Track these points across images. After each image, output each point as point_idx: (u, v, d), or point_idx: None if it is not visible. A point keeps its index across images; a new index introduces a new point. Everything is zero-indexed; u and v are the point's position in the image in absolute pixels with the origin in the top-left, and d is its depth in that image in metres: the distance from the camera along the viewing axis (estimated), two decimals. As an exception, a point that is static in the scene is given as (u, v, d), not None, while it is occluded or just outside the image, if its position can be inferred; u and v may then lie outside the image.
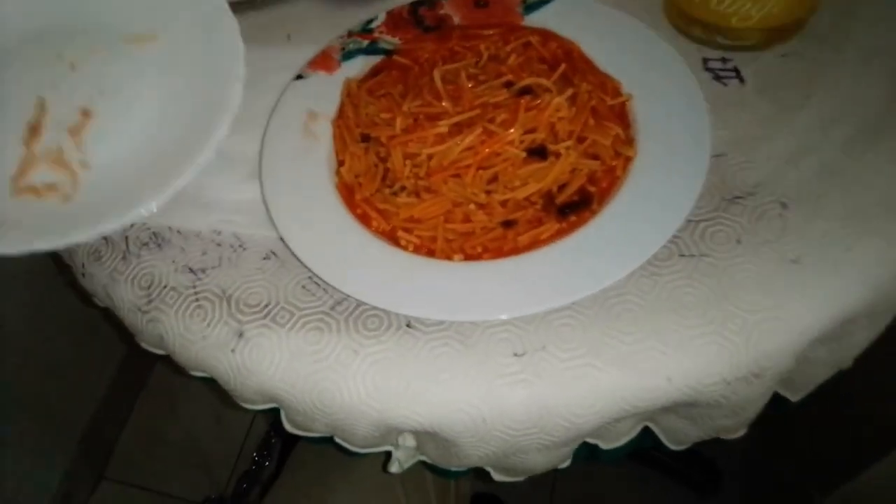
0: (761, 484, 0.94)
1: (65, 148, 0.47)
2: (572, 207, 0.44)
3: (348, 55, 0.53)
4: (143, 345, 0.49)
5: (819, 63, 0.52)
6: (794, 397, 0.50)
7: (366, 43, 0.54)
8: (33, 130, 0.47)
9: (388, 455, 0.49)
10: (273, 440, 1.04)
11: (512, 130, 0.44)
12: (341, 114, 0.50)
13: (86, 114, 0.48)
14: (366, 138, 0.48)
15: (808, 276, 0.42)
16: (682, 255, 0.44)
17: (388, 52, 0.53)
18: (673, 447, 0.49)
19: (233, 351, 0.44)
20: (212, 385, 0.48)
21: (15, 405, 0.98)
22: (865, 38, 0.52)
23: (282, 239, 0.45)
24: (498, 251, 0.43)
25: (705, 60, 0.53)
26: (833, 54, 0.52)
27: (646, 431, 0.48)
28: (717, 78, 0.52)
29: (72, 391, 1.06)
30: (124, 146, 0.47)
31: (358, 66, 0.53)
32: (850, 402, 0.72)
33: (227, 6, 0.50)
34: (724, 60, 0.53)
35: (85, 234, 0.43)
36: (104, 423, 1.12)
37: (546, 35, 0.51)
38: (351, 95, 0.50)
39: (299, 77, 0.52)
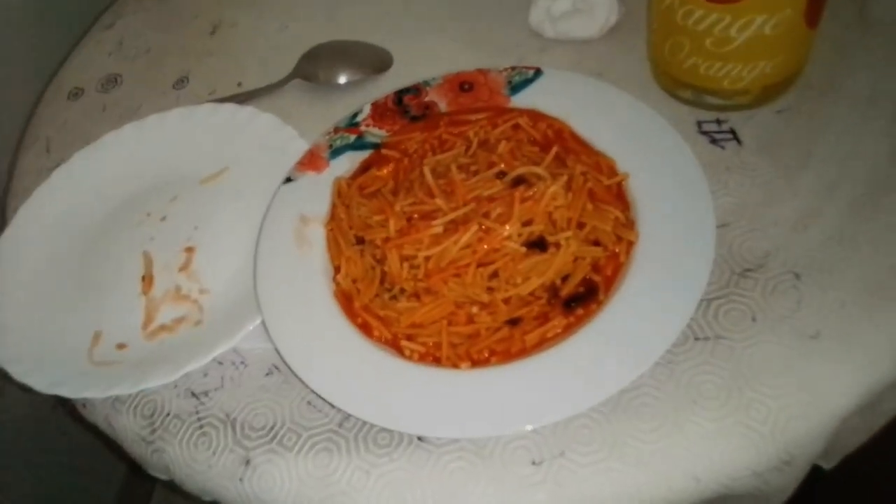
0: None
1: (181, 284, 0.51)
2: (578, 300, 0.43)
3: (336, 152, 0.52)
4: (151, 472, 0.48)
5: (816, 117, 0.50)
6: (827, 465, 0.48)
7: (353, 138, 0.53)
8: (147, 281, 0.52)
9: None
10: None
11: (508, 226, 0.43)
12: (333, 216, 0.49)
13: (189, 250, 0.53)
14: (360, 240, 0.47)
15: (830, 351, 0.41)
16: (698, 339, 0.42)
17: (376, 146, 0.52)
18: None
19: (241, 480, 0.42)
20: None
21: (33, 500, 0.97)
22: (860, 86, 0.51)
23: (282, 357, 0.44)
24: (506, 354, 0.42)
25: (700, 123, 0.52)
26: (830, 106, 0.51)
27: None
28: (714, 141, 0.51)
29: (92, 480, 1.05)
30: (231, 264, 0.51)
31: (347, 163, 0.52)
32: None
33: (283, 127, 0.56)
34: (719, 122, 0.51)
35: (225, 346, 0.46)
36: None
37: (535, 115, 0.50)
38: (342, 195, 0.49)
39: (288, 180, 0.51)
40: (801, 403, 0.39)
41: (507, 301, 0.43)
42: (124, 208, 0.57)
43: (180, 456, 0.44)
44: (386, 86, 0.58)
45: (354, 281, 0.46)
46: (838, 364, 0.40)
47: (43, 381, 0.47)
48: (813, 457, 0.41)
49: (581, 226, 0.44)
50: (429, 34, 0.63)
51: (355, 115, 0.54)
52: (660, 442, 0.39)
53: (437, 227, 0.44)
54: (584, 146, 0.49)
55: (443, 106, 0.53)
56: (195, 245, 0.53)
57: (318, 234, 0.49)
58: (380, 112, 0.54)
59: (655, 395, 0.41)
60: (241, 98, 0.61)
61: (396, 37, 0.63)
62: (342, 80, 0.60)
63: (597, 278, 0.43)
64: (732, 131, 0.51)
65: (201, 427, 0.45)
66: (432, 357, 0.43)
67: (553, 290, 0.43)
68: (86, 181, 0.58)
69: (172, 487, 0.47)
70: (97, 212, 0.57)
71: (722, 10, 0.45)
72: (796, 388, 0.40)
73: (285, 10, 0.69)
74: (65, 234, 0.56)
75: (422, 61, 0.59)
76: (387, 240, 0.45)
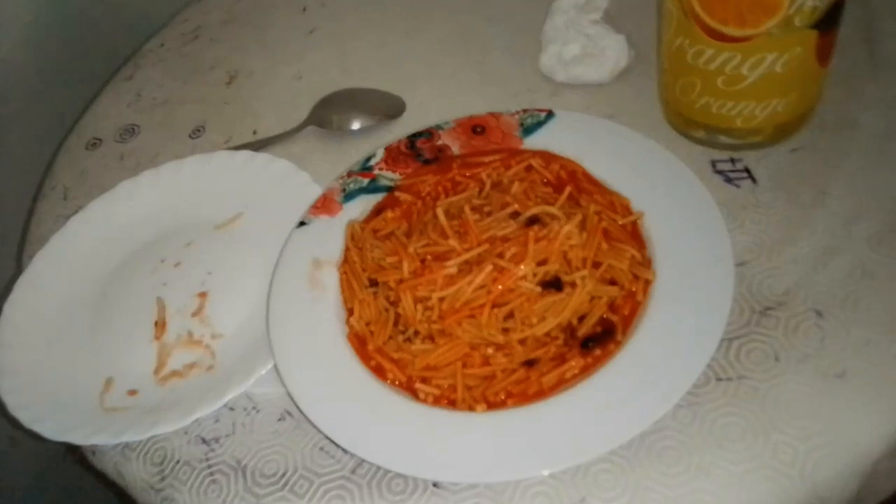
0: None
1: (193, 329, 0.51)
2: (596, 340, 0.42)
3: (349, 196, 0.52)
4: (160, 523, 0.47)
5: (832, 154, 0.50)
6: (860, 512, 0.46)
7: (366, 181, 0.53)
8: (160, 326, 0.51)
9: None
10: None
11: (522, 266, 0.42)
12: (347, 259, 0.49)
13: (202, 295, 0.52)
14: (374, 283, 0.47)
15: (857, 391, 0.40)
16: (720, 380, 0.41)
17: (389, 189, 0.52)
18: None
19: (252, 529, 0.41)
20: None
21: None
22: (875, 123, 0.51)
23: (294, 401, 0.43)
24: (522, 396, 0.41)
25: (714, 163, 0.51)
26: (845, 143, 0.50)
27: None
28: (729, 180, 0.50)
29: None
30: (243, 308, 0.51)
31: (360, 207, 0.52)
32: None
33: (298, 172, 0.57)
34: (733, 161, 0.51)
35: (237, 391, 0.45)
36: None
37: (547, 157, 0.51)
38: (355, 238, 0.49)
39: (302, 224, 0.51)
40: (829, 445, 0.38)
41: (522, 342, 0.43)
42: (139, 255, 0.57)
43: (190, 504, 0.43)
44: (399, 131, 0.58)
45: (368, 324, 0.46)
46: (866, 403, 0.39)
47: (52, 428, 0.47)
48: (845, 501, 0.39)
49: (597, 265, 0.44)
50: (441, 80, 0.63)
51: (369, 159, 0.54)
52: (684, 486, 0.38)
53: (451, 267, 0.44)
54: (597, 186, 0.48)
55: (455, 149, 0.54)
56: (208, 290, 0.52)
57: (331, 277, 0.48)
58: (393, 156, 0.54)
59: (678, 437, 0.40)
60: (257, 145, 0.61)
61: (409, 83, 0.63)
62: (356, 126, 0.61)
63: (614, 318, 0.43)
64: (747, 170, 0.51)
65: (211, 474, 0.44)
66: (447, 400, 0.42)
67: (570, 331, 0.43)
68: (102, 228, 0.59)
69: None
70: (112, 259, 0.57)
71: (732, 49, 0.45)
72: (824, 428, 0.39)
73: (300, 59, 0.70)
74: (79, 280, 0.56)
75: (434, 107, 0.60)
76: (400, 281, 0.45)
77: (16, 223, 0.69)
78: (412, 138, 0.55)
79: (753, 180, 0.50)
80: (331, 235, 0.50)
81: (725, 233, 0.44)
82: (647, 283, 0.43)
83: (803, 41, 0.44)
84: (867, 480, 0.41)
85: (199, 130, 0.66)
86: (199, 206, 0.58)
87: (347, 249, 0.49)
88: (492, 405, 0.41)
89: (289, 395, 0.44)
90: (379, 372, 0.44)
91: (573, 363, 0.41)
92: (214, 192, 0.59)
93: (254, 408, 0.46)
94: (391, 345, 0.44)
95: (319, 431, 0.42)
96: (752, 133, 0.50)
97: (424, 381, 0.43)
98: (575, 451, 0.38)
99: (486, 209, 0.47)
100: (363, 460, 0.42)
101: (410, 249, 0.46)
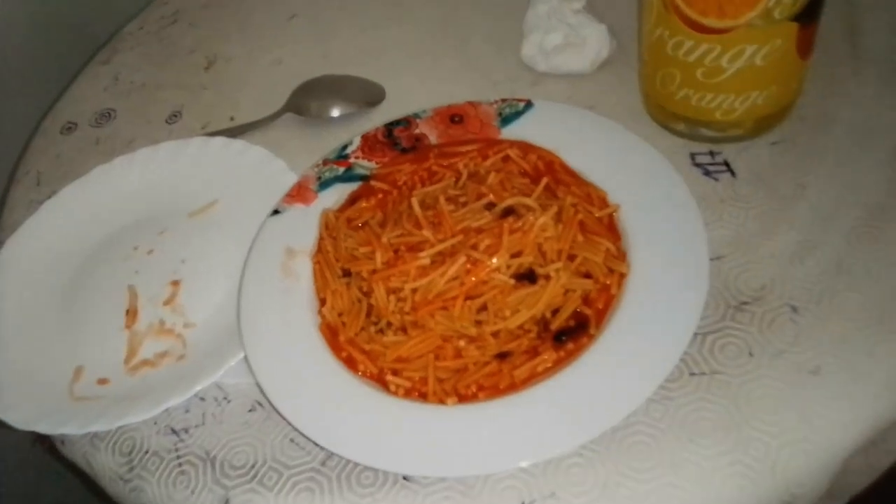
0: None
1: (165, 318, 0.50)
2: (569, 333, 0.41)
3: (325, 184, 0.52)
4: (128, 513, 0.46)
5: (811, 148, 0.50)
6: (832, 507, 0.46)
7: (342, 170, 0.52)
8: (131, 314, 0.51)
9: None
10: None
11: (496, 258, 0.42)
12: (320, 248, 0.48)
13: (174, 283, 0.52)
14: (347, 273, 0.46)
15: (831, 387, 0.39)
16: (693, 374, 0.41)
17: (365, 178, 0.52)
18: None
19: (219, 521, 0.41)
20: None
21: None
22: (854, 118, 0.51)
23: (263, 393, 0.43)
24: (494, 389, 0.41)
25: (693, 155, 0.51)
26: (824, 137, 0.50)
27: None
28: (707, 173, 0.50)
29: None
30: (216, 297, 0.50)
31: (335, 196, 0.51)
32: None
33: (274, 160, 0.56)
34: (712, 154, 0.51)
35: (208, 380, 0.45)
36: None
37: (525, 147, 0.50)
38: (329, 227, 0.49)
39: (276, 212, 0.50)
40: (802, 440, 0.38)
41: (495, 335, 0.42)
42: (112, 242, 0.56)
43: (158, 495, 0.43)
44: (378, 119, 0.58)
45: (340, 314, 0.45)
46: (839, 399, 0.39)
47: (20, 416, 0.46)
48: (816, 497, 0.39)
49: (572, 258, 0.43)
50: (422, 68, 0.63)
51: (345, 147, 0.54)
52: (655, 482, 0.38)
53: (425, 258, 0.43)
54: (575, 178, 0.48)
55: (433, 138, 0.53)
56: (181, 278, 0.52)
57: (304, 266, 0.48)
58: (370, 144, 0.53)
59: (650, 432, 0.39)
60: (234, 132, 0.60)
61: (389, 71, 0.63)
62: (335, 113, 0.60)
63: (588, 311, 0.42)
64: (726, 163, 0.50)
65: (180, 465, 0.43)
66: (418, 392, 0.41)
67: (543, 324, 0.42)
68: (75, 214, 0.58)
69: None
70: (85, 245, 0.56)
71: (712, 41, 0.44)
72: (797, 424, 0.38)
73: (280, 45, 0.69)
74: (51, 267, 0.55)
75: (414, 95, 0.59)
76: (373, 272, 0.44)
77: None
78: (389, 127, 0.54)
79: (732, 173, 0.50)
80: (305, 224, 0.49)
81: (702, 227, 0.43)
82: (622, 276, 0.43)
83: (783, 34, 0.44)
84: (839, 476, 0.41)
85: (175, 116, 0.65)
86: (174, 193, 0.57)
87: (321, 239, 0.48)
88: (463, 398, 0.41)
89: (258, 386, 0.43)
90: (350, 363, 0.43)
91: (546, 356, 0.41)
92: (189, 178, 0.58)
93: (224, 398, 0.46)
94: (363, 336, 0.44)
95: (289, 423, 0.41)
96: (732, 126, 0.50)
97: (395, 373, 0.42)
98: (546, 446, 0.38)
99: (462, 200, 0.47)
100: (333, 453, 0.41)
101: (384, 239, 0.45)
